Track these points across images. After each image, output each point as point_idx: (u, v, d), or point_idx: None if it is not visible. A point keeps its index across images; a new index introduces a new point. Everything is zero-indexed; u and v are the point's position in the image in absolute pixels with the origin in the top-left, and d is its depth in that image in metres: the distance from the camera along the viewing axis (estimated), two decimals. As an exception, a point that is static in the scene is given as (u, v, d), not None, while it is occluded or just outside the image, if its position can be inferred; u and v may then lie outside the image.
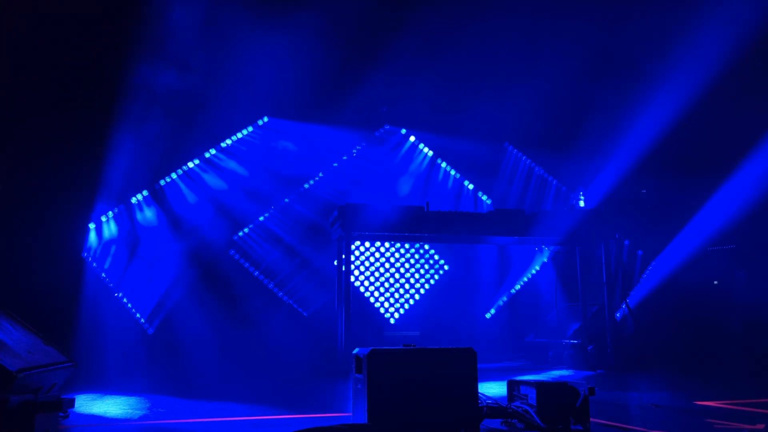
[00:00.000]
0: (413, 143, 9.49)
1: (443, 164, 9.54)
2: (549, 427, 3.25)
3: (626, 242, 8.78)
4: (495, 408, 3.43)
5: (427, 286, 9.15)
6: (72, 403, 3.04)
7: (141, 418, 4.01)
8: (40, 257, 6.95)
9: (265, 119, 8.79)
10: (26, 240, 6.97)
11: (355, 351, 3.36)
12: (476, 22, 7.89)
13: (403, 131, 9.47)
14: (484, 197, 9.55)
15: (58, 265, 7.15)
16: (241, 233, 8.52)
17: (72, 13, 6.91)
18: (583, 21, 7.65)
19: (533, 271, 9.51)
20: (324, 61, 7.95)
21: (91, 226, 7.74)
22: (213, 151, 8.50)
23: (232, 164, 8.58)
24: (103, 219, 7.86)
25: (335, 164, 9.08)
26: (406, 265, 9.14)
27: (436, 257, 9.27)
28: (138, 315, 7.83)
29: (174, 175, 8.28)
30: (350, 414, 3.41)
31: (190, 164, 8.37)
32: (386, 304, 8.96)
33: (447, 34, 8.06)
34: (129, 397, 5.01)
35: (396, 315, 8.97)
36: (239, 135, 8.67)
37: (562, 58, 7.94)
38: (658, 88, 7.93)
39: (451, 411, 3.11)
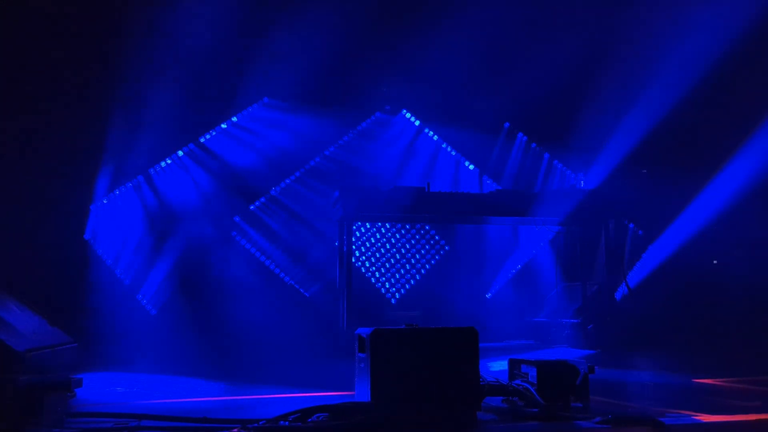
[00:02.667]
0: (414, 124, 9.47)
1: (444, 145, 9.53)
2: (549, 405, 3.30)
3: (626, 222, 8.80)
4: (496, 386, 3.47)
5: (428, 266, 9.19)
6: (80, 382, 3.09)
7: (146, 398, 4.07)
8: (43, 240, 6.99)
9: (265, 100, 8.79)
10: (30, 223, 6.99)
11: (358, 331, 3.39)
12: (478, 2, 7.84)
13: (404, 112, 9.44)
14: (485, 178, 9.55)
15: (62, 248, 7.19)
16: (242, 215, 8.54)
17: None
18: (585, 6, 7.61)
19: (534, 251, 9.53)
20: (325, 42, 7.91)
21: (94, 208, 7.76)
22: (213, 133, 8.50)
23: (232, 145, 8.58)
24: (105, 201, 7.88)
25: (336, 145, 9.07)
26: (407, 246, 9.17)
27: (437, 237, 9.29)
28: (141, 296, 7.89)
29: (175, 157, 8.28)
30: (353, 393, 3.46)
31: (191, 145, 8.37)
32: (387, 285, 9.01)
33: (449, 16, 8.01)
34: (134, 377, 5.07)
35: (397, 295, 9.02)
36: (239, 116, 8.66)
37: (564, 41, 7.89)
38: (662, 69, 7.89)
39: (453, 389, 3.15)
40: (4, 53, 6.73)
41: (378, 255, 9.04)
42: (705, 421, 3.10)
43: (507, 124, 9.71)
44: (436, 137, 9.50)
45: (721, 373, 4.89)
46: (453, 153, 9.56)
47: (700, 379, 4.70)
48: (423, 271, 9.17)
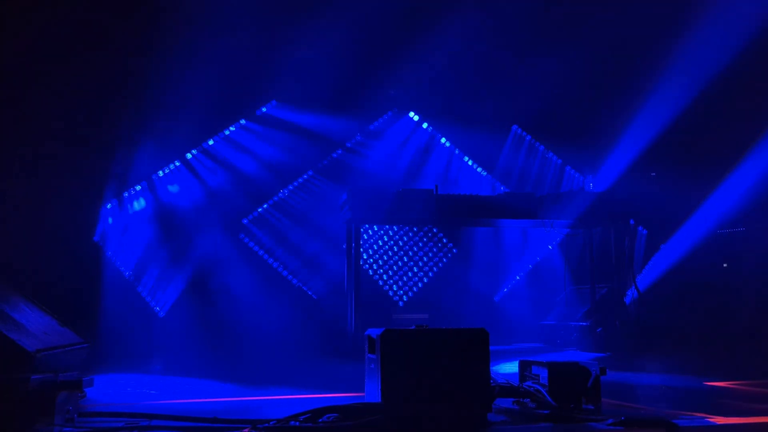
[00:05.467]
0: (422, 127, 9.47)
1: (451, 146, 9.52)
2: (560, 407, 3.28)
3: (636, 225, 8.77)
4: (507, 388, 3.45)
5: (435, 268, 9.18)
6: (91, 382, 3.09)
7: (156, 398, 4.07)
8: (54, 241, 7.01)
9: (274, 103, 8.81)
10: (41, 224, 7.02)
11: (368, 332, 3.38)
12: (486, 4, 7.83)
13: (412, 115, 9.44)
14: (493, 180, 9.54)
15: (72, 250, 7.21)
16: (250, 217, 8.55)
17: (86, 5, 6.94)
18: (596, 7, 7.60)
19: (543, 254, 9.51)
20: (332, 45, 7.92)
21: (103, 211, 7.80)
22: (220, 136, 8.52)
23: (239, 149, 8.60)
24: (115, 204, 7.90)
25: (344, 148, 9.08)
26: (415, 248, 9.17)
27: (445, 240, 9.28)
28: (149, 298, 7.91)
29: (184, 160, 8.31)
30: (363, 394, 3.45)
31: (199, 149, 8.40)
32: (395, 287, 9.00)
33: (455, 16, 8.01)
34: (143, 378, 5.08)
35: (405, 297, 9.01)
36: (247, 120, 8.68)
37: (573, 43, 7.87)
38: (671, 71, 7.86)
39: (464, 391, 3.14)
40: (18, 56, 6.76)
41: (386, 257, 9.04)
42: (719, 423, 3.07)
43: (515, 126, 9.70)
44: (443, 139, 9.49)
45: (732, 376, 4.86)
46: (461, 155, 9.55)
47: (711, 382, 4.66)
48: (431, 273, 9.15)
